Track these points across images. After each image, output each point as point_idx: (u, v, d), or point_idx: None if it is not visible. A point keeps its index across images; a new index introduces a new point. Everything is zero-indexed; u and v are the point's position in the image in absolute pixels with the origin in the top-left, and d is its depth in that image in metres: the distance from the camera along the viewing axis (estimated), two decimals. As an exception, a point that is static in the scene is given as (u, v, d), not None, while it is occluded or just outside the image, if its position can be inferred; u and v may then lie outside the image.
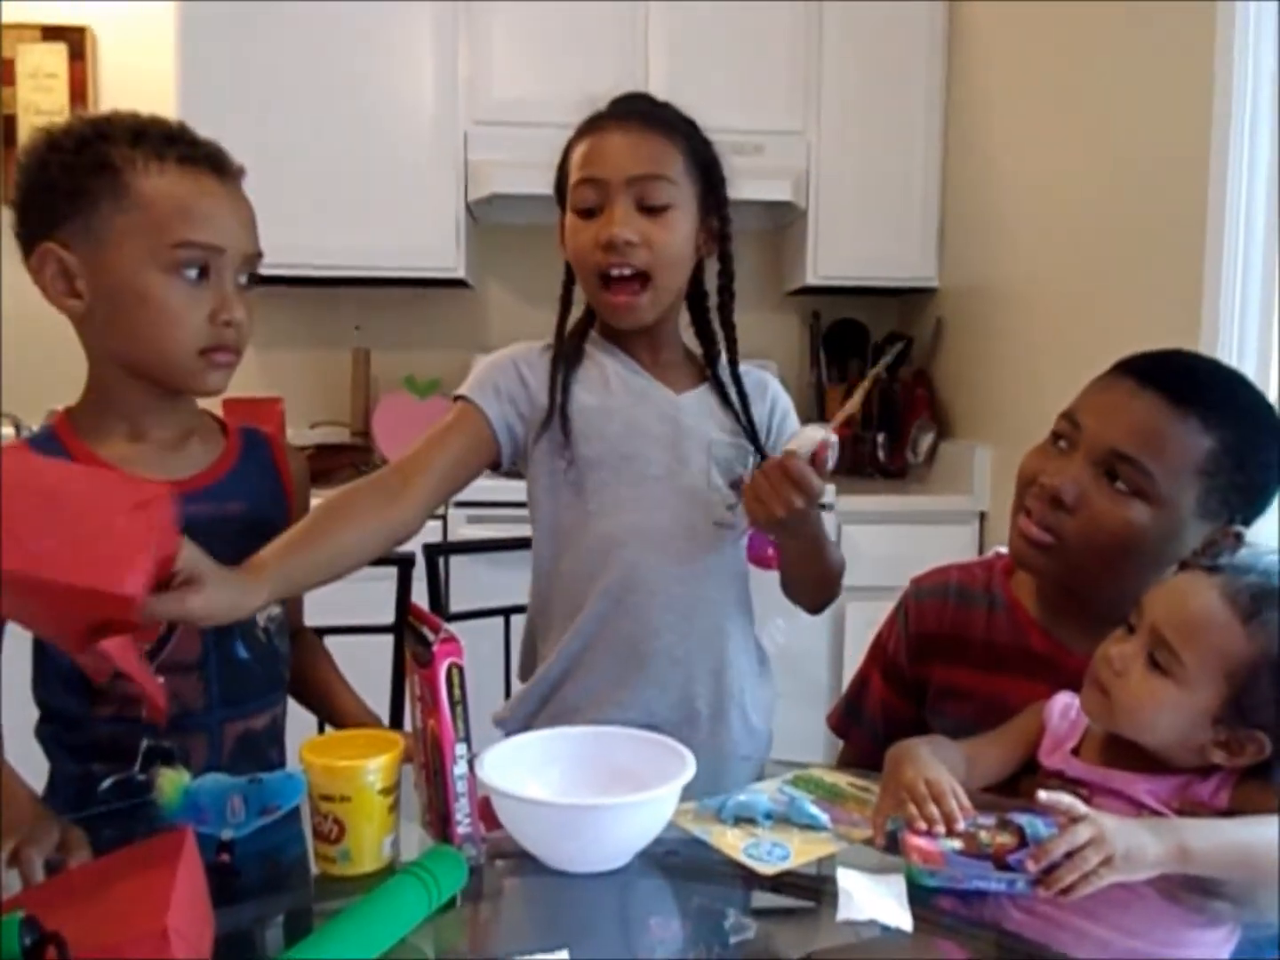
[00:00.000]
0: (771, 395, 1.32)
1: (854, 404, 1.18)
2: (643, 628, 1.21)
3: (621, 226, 1.16)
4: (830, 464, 1.11)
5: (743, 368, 1.31)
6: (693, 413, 1.25)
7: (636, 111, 1.20)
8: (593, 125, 1.21)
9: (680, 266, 1.22)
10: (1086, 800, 0.94)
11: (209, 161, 1.04)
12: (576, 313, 1.30)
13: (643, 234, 1.16)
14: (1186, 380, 1.04)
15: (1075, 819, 0.82)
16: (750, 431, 1.26)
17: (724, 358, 1.30)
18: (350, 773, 0.86)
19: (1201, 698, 0.90)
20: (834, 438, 1.11)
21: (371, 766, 0.86)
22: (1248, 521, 1.05)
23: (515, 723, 1.26)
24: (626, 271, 1.17)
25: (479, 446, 1.20)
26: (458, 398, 1.22)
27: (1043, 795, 0.85)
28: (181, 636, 1.06)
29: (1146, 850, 0.82)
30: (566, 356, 1.24)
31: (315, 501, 1.14)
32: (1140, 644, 0.93)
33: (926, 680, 1.20)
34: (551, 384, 1.22)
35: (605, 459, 1.21)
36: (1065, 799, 0.85)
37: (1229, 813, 0.91)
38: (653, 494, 1.21)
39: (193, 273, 1.01)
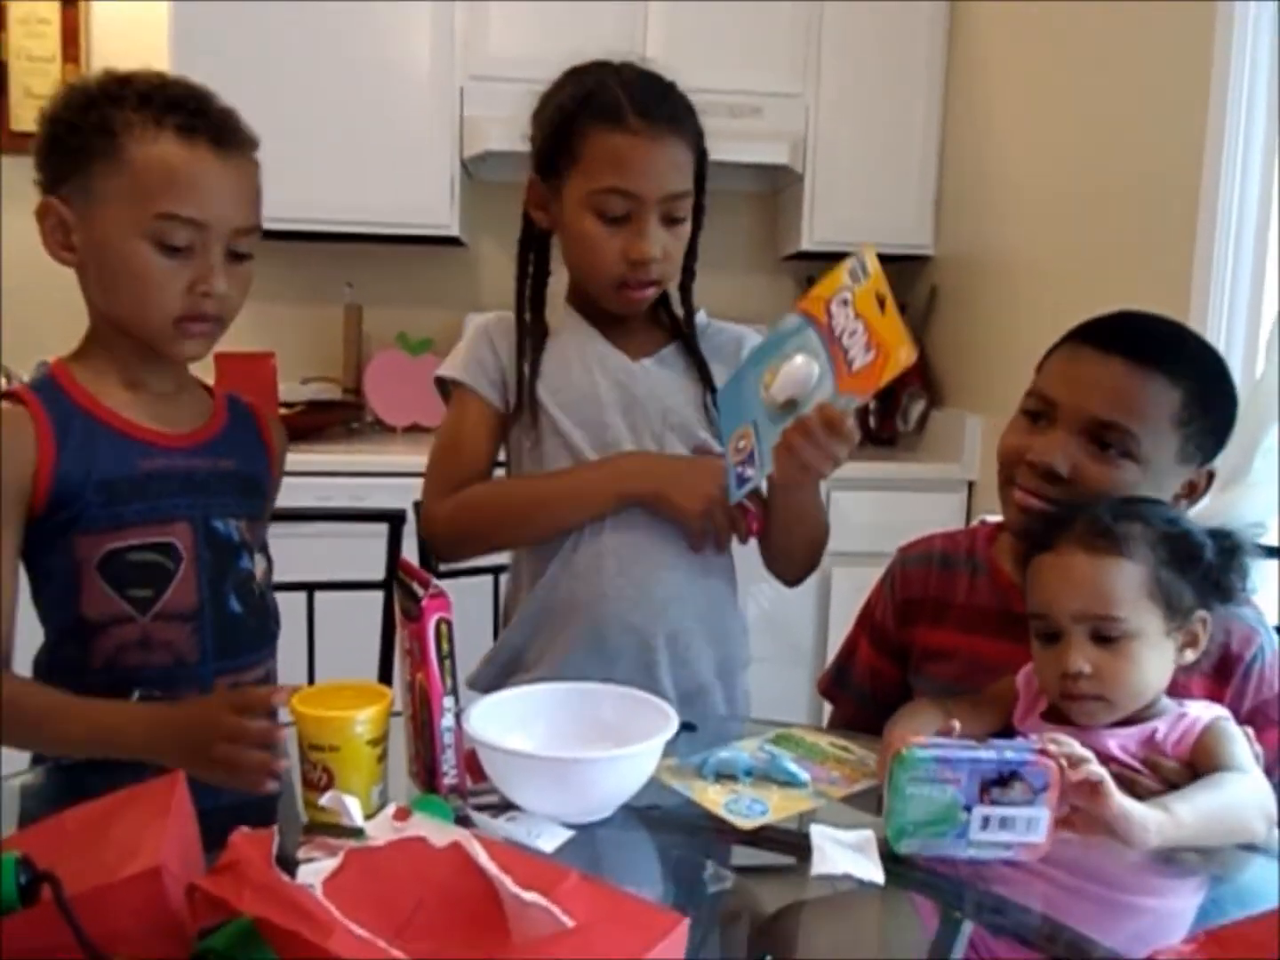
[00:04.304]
0: (746, 345, 1.30)
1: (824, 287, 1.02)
2: (593, 593, 1.21)
3: (653, 245, 1.17)
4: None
5: (720, 324, 1.32)
6: (648, 378, 1.25)
7: (664, 115, 1.17)
8: (619, 120, 1.15)
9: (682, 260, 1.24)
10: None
11: (210, 132, 1.03)
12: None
13: (665, 249, 1.19)
14: (1144, 340, 1.10)
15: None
16: (712, 395, 1.25)
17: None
18: (339, 723, 0.87)
19: (1153, 630, 0.96)
20: (816, 361, 0.99)
21: (360, 717, 0.88)
22: (1211, 460, 1.12)
23: (484, 683, 1.27)
24: (649, 279, 1.20)
25: (501, 432, 1.28)
26: (453, 383, 1.26)
27: (1035, 739, 0.88)
28: (178, 588, 1.08)
29: (1135, 807, 0.84)
30: (533, 339, 1.25)
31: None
32: (1081, 639, 0.96)
33: (911, 644, 1.22)
34: (519, 373, 1.24)
35: (559, 426, 1.22)
36: (1065, 740, 0.87)
37: (1190, 763, 0.95)
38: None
39: (176, 244, 1.01)
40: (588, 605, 1.21)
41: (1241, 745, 0.95)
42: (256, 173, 1.08)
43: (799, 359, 1.01)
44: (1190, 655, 0.99)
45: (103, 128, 1.01)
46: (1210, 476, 1.12)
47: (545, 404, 1.23)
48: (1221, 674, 1.06)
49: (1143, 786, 0.94)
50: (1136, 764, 0.96)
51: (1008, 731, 1.04)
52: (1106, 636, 0.95)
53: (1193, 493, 1.12)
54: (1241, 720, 1.02)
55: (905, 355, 0.92)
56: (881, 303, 0.94)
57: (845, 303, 0.97)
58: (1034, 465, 1.09)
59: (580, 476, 1.21)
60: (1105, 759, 0.95)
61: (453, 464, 1.26)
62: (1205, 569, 0.97)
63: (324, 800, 0.79)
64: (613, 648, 1.20)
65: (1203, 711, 0.97)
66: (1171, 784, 0.93)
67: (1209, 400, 1.09)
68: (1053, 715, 1.01)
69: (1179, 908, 0.86)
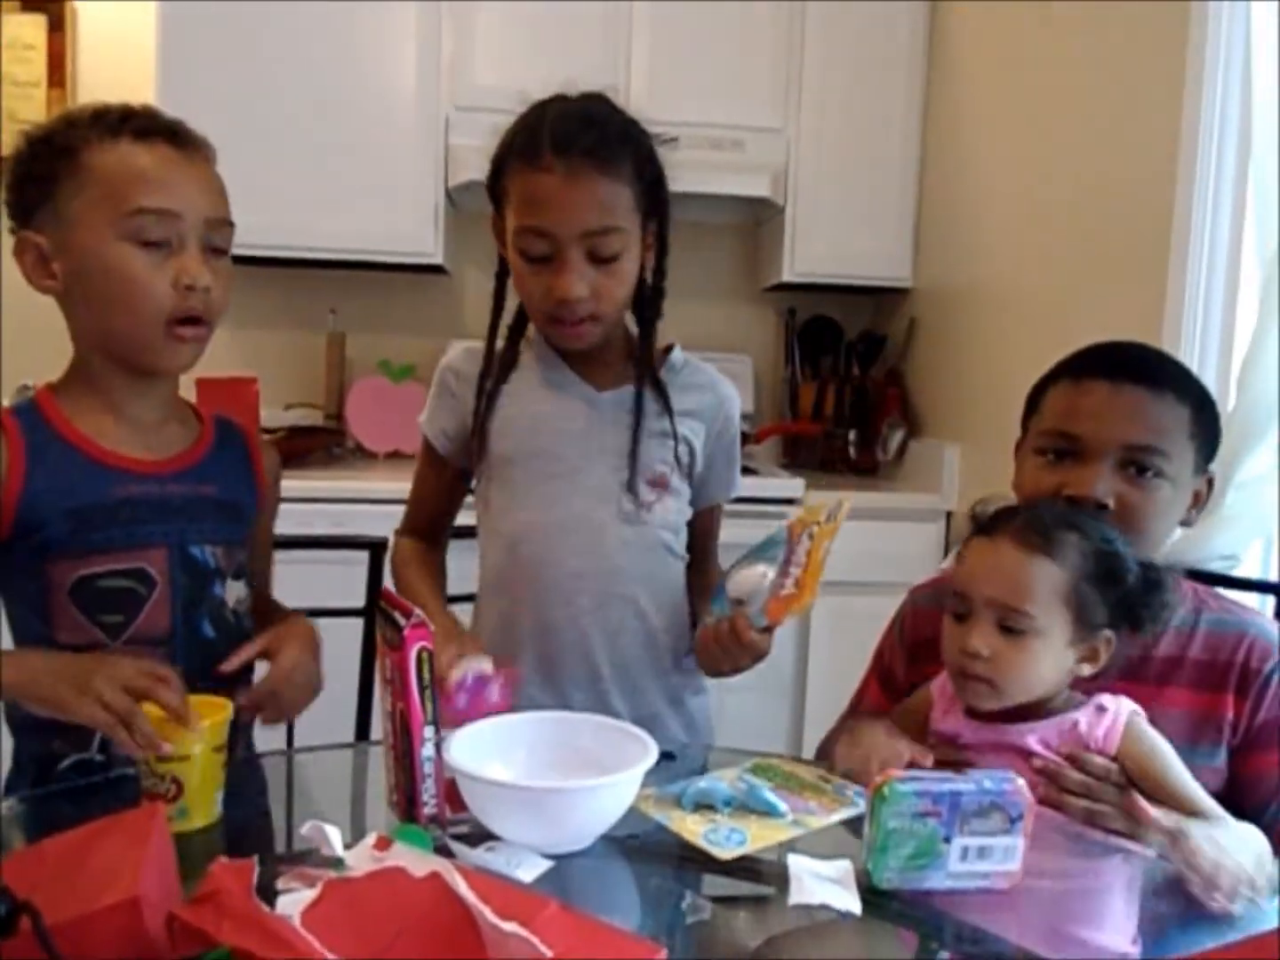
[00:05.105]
0: (720, 399, 1.31)
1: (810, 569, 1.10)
2: (544, 625, 1.23)
3: (574, 284, 1.14)
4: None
5: (697, 364, 1.32)
6: (612, 410, 1.24)
7: (583, 150, 1.11)
8: (535, 158, 1.12)
9: (626, 298, 1.21)
10: (969, 764, 0.98)
11: (165, 133, 1.07)
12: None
13: (593, 287, 1.15)
14: (1144, 363, 1.14)
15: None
16: (674, 436, 1.25)
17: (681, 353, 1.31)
18: (190, 735, 0.90)
19: (1057, 634, 0.99)
20: (771, 573, 1.10)
21: (209, 727, 0.91)
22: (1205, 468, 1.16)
23: None
24: (576, 317, 1.17)
25: (454, 479, 1.33)
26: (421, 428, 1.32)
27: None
28: (151, 613, 1.08)
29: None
30: (497, 372, 1.26)
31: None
32: (987, 624, 1.00)
33: (924, 682, 1.23)
34: (477, 403, 1.24)
35: (513, 456, 1.23)
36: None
37: (1115, 758, 0.98)
38: (557, 490, 1.22)
39: (153, 238, 1.03)
40: (535, 638, 1.23)
41: (1173, 758, 0.98)
42: (215, 169, 1.11)
43: (759, 567, 1.12)
44: (1087, 669, 1.02)
45: (64, 149, 1.04)
46: (1210, 483, 1.16)
47: (497, 435, 1.24)
48: (1241, 688, 1.07)
49: (1069, 780, 0.97)
50: (1060, 760, 0.98)
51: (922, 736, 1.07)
52: (1010, 628, 0.99)
53: (1197, 501, 1.15)
54: (1250, 733, 1.05)
55: (807, 601, 1.08)
56: (826, 550, 1.08)
57: (810, 535, 1.10)
58: (1077, 501, 1.09)
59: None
60: (1025, 754, 0.99)
61: (411, 507, 1.37)
62: (1125, 593, 1.00)
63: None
64: (566, 678, 1.23)
65: (1119, 706, 1.00)
66: (1099, 779, 0.96)
67: (1207, 411, 1.13)
68: (972, 711, 1.04)
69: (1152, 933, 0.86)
